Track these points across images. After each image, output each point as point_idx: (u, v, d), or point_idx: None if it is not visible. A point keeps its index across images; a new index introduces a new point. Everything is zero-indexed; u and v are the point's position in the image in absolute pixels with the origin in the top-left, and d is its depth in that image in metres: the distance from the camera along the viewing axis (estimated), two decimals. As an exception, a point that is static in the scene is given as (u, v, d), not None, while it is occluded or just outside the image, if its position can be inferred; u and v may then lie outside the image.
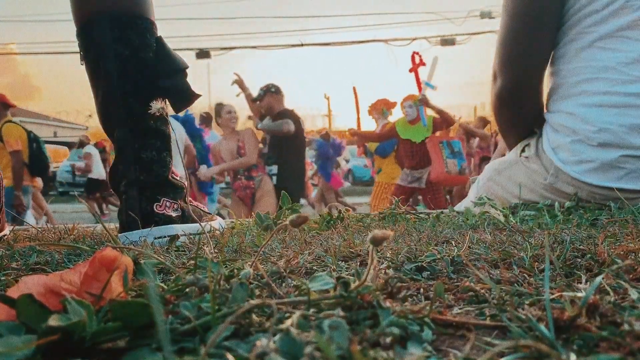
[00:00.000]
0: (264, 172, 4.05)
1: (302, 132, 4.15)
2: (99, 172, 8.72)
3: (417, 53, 4.64)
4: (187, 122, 4.54)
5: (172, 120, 4.42)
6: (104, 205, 8.85)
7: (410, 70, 4.65)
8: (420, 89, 4.56)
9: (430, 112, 4.52)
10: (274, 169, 4.08)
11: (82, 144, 9.29)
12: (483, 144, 6.05)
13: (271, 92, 4.04)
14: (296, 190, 3.97)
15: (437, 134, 4.52)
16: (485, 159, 5.91)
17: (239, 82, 4.11)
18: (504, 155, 1.50)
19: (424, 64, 4.61)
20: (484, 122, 6.38)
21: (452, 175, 4.25)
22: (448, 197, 5.44)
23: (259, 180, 4.00)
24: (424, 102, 4.39)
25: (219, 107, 4.22)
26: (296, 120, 4.07)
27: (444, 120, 4.42)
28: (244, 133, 4.05)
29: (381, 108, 5.07)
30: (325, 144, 6.61)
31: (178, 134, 4.20)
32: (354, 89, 5.95)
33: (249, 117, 4.40)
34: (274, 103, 4.04)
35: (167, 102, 0.99)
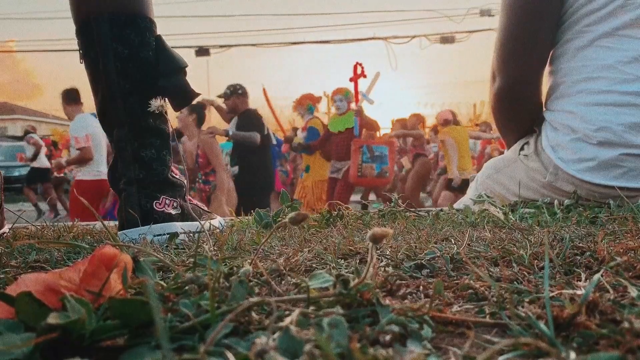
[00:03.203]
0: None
1: (264, 136, 4.22)
2: (42, 161, 8.69)
3: (360, 64, 4.76)
4: None
5: (93, 118, 4.45)
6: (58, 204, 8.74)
7: (351, 80, 4.76)
8: (357, 99, 4.70)
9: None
10: (236, 170, 4.22)
11: (27, 133, 9.16)
12: (416, 142, 6.20)
13: (238, 93, 4.22)
14: (258, 191, 4.10)
15: (363, 137, 4.76)
16: (418, 156, 6.02)
17: (208, 103, 4.35)
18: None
19: (364, 76, 4.75)
20: (419, 119, 6.49)
21: (367, 178, 4.55)
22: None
23: (214, 185, 4.07)
24: (359, 113, 4.59)
25: None
26: (259, 121, 4.19)
27: (369, 126, 4.73)
28: (205, 143, 4.08)
29: (306, 103, 5.05)
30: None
31: (101, 130, 4.27)
32: (264, 90, 5.96)
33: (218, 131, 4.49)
34: (239, 104, 4.22)
35: (167, 101, 0.99)
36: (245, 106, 4.25)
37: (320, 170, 4.94)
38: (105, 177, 4.37)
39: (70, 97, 4.23)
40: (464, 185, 5.39)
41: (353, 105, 4.67)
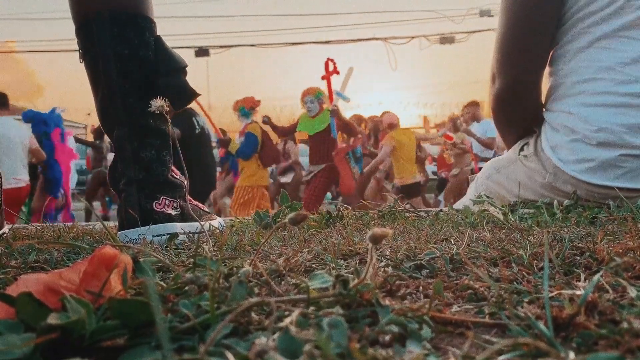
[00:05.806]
0: None
1: (193, 132, 4.11)
2: None
3: (331, 60, 4.59)
4: (34, 122, 4.60)
5: (10, 120, 4.32)
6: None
7: (323, 78, 4.61)
8: (331, 99, 4.53)
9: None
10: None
11: None
12: (358, 143, 6.21)
13: None
14: (196, 190, 4.01)
15: (343, 144, 4.75)
16: (364, 156, 6.03)
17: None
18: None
19: (337, 72, 4.58)
20: (359, 120, 6.46)
21: (356, 180, 4.74)
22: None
23: None
24: (335, 113, 4.42)
25: None
26: (190, 120, 4.09)
27: (347, 131, 4.71)
28: None
29: (239, 107, 4.91)
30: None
31: (17, 134, 4.22)
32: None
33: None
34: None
35: (167, 101, 0.99)
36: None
37: (254, 176, 4.86)
38: (23, 184, 4.20)
39: None
40: (406, 191, 5.32)
41: (327, 105, 4.53)
